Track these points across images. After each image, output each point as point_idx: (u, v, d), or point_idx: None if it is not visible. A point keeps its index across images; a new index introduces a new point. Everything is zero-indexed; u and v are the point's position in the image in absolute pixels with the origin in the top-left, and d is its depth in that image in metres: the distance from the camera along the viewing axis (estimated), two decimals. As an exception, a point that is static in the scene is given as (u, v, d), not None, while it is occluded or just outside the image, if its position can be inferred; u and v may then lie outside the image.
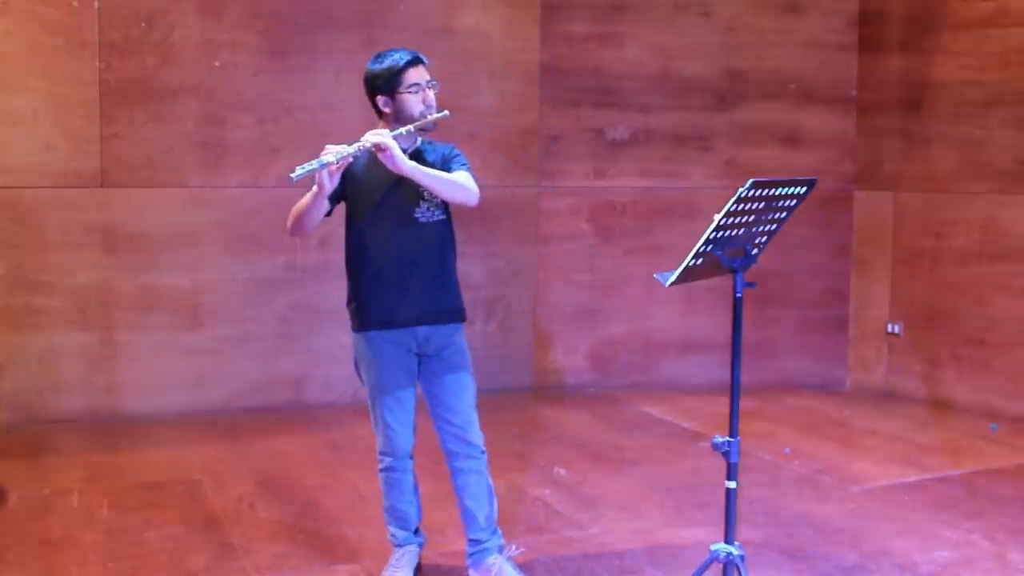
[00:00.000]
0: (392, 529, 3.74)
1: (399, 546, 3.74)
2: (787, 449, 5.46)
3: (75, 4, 5.73)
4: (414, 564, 3.74)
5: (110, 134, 5.84)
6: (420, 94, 3.46)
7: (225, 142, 6.07)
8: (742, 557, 3.31)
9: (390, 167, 3.30)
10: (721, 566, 3.32)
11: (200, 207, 6.06)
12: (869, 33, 6.75)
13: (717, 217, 3.04)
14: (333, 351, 6.30)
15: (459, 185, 3.43)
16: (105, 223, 5.89)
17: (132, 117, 5.87)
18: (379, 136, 3.29)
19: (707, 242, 3.07)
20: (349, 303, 3.62)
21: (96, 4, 5.76)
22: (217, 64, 6.01)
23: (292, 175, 3.19)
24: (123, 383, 5.96)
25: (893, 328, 6.70)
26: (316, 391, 6.34)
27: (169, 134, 5.95)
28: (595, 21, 6.71)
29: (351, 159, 3.30)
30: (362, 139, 3.30)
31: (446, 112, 3.47)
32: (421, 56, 3.50)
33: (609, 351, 6.92)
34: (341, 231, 3.63)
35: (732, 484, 3.29)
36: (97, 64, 5.78)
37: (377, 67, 3.46)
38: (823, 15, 6.78)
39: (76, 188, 5.81)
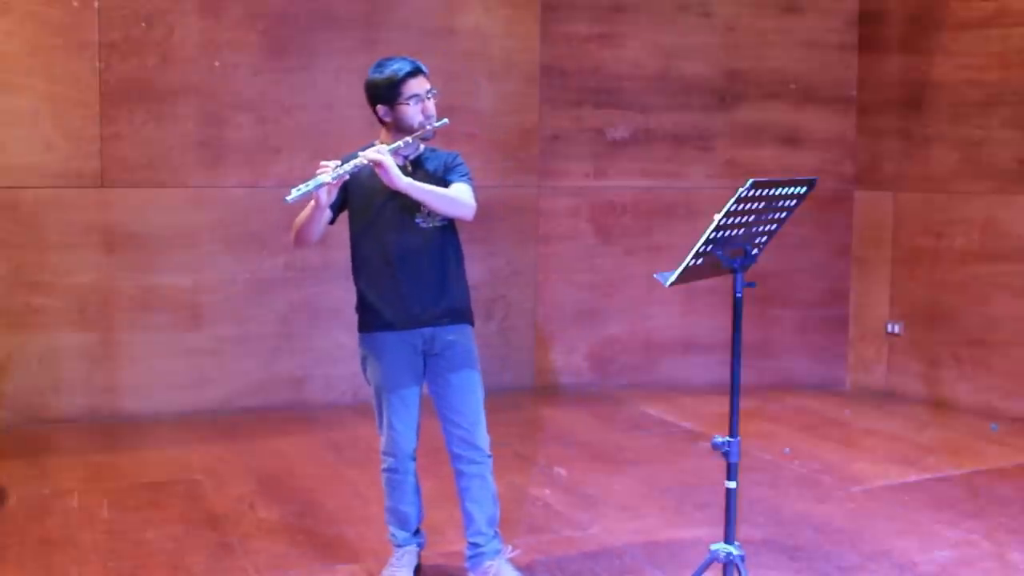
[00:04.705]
0: (393, 529, 3.75)
1: (399, 546, 3.74)
2: (787, 449, 5.46)
3: (75, 4, 5.73)
4: (414, 564, 3.74)
5: (110, 134, 5.84)
6: (420, 105, 3.45)
7: (225, 142, 6.07)
8: (742, 557, 3.31)
9: (386, 182, 3.32)
10: (721, 566, 3.32)
11: (200, 207, 6.06)
12: (869, 33, 6.75)
13: (717, 217, 3.04)
14: (333, 351, 6.30)
15: (455, 201, 3.45)
16: (105, 223, 5.89)
17: (132, 117, 5.87)
18: (377, 154, 3.30)
19: (707, 242, 3.07)
20: (357, 305, 3.64)
21: (96, 4, 5.75)
22: (217, 64, 6.01)
23: (287, 198, 3.21)
24: (123, 383, 5.96)
25: (893, 328, 6.70)
26: (316, 391, 6.33)
27: (169, 134, 5.95)
28: (595, 21, 6.71)
29: (347, 176, 3.32)
30: (359, 155, 3.33)
31: (445, 121, 3.49)
32: (421, 66, 3.49)
33: (609, 351, 6.92)
34: (341, 231, 3.63)
35: (732, 484, 3.29)
36: (97, 64, 5.78)
37: (377, 76, 3.46)
38: (823, 15, 6.78)
39: (76, 188, 5.81)
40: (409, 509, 3.70)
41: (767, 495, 4.72)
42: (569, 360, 6.90)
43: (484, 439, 3.63)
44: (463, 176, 3.56)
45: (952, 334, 6.38)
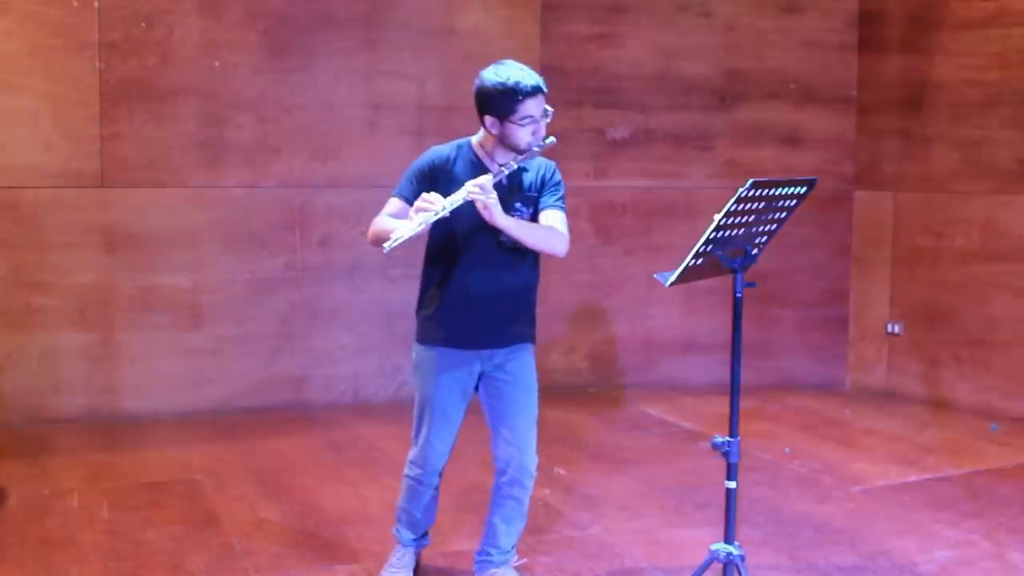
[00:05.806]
0: (400, 527, 3.72)
1: (402, 545, 3.72)
2: (787, 449, 5.46)
3: (75, 4, 5.72)
4: (412, 565, 3.73)
5: (110, 134, 5.84)
6: (532, 127, 3.25)
7: (225, 142, 6.07)
8: (742, 557, 3.31)
9: (486, 219, 3.17)
10: (721, 566, 3.32)
11: (200, 207, 6.06)
12: (869, 33, 6.75)
13: (717, 217, 3.04)
14: (333, 351, 6.30)
15: (550, 240, 3.33)
16: (105, 223, 5.89)
17: (132, 117, 5.87)
18: (483, 194, 3.12)
19: (707, 242, 3.07)
20: (419, 311, 3.51)
21: (96, 4, 5.75)
22: (217, 64, 6.01)
23: (387, 245, 3.09)
24: (123, 383, 5.96)
25: (893, 328, 6.70)
26: (316, 391, 6.33)
27: (169, 134, 5.95)
28: (595, 21, 6.71)
29: (448, 214, 3.15)
30: (465, 189, 3.15)
31: (553, 140, 3.28)
32: (542, 84, 3.27)
33: (609, 351, 6.92)
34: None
35: (732, 484, 3.29)
36: (97, 64, 5.78)
37: (493, 85, 3.24)
38: (823, 15, 6.78)
39: (76, 188, 5.81)
40: (422, 515, 3.68)
41: (767, 495, 4.72)
42: (569, 360, 6.89)
43: (532, 459, 3.57)
44: (558, 200, 3.39)
45: (952, 334, 6.38)
